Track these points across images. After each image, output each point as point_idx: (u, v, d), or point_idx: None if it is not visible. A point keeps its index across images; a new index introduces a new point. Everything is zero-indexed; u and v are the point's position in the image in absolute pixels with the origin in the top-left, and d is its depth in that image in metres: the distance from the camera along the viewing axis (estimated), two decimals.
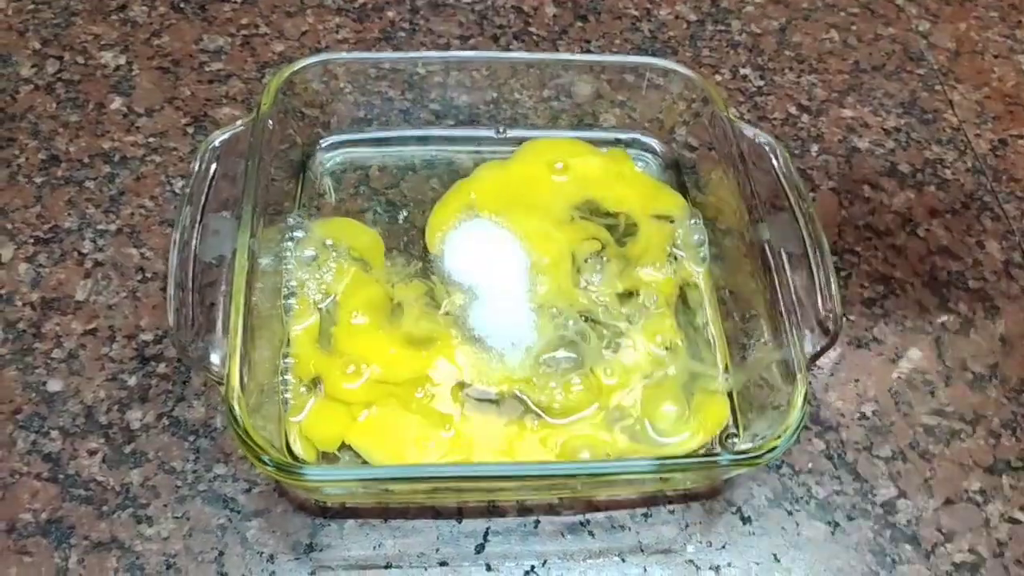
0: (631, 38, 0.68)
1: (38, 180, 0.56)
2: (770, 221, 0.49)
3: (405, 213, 0.56)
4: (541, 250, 0.53)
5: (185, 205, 0.47)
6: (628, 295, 0.52)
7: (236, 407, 0.40)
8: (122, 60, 0.63)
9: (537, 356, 0.49)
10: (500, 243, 0.53)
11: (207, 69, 0.63)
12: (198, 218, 0.46)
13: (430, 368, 0.48)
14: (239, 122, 0.50)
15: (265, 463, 0.40)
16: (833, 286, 0.47)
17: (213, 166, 0.48)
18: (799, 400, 0.43)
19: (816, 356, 0.45)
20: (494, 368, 0.48)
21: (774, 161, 0.52)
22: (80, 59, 0.63)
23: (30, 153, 0.57)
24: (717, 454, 0.46)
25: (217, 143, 0.49)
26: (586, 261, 0.54)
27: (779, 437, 0.42)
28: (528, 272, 0.52)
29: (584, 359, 0.49)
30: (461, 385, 0.48)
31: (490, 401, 0.48)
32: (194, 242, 0.46)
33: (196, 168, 0.48)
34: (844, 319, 0.51)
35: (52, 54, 0.63)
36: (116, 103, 0.60)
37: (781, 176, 0.52)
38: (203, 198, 0.47)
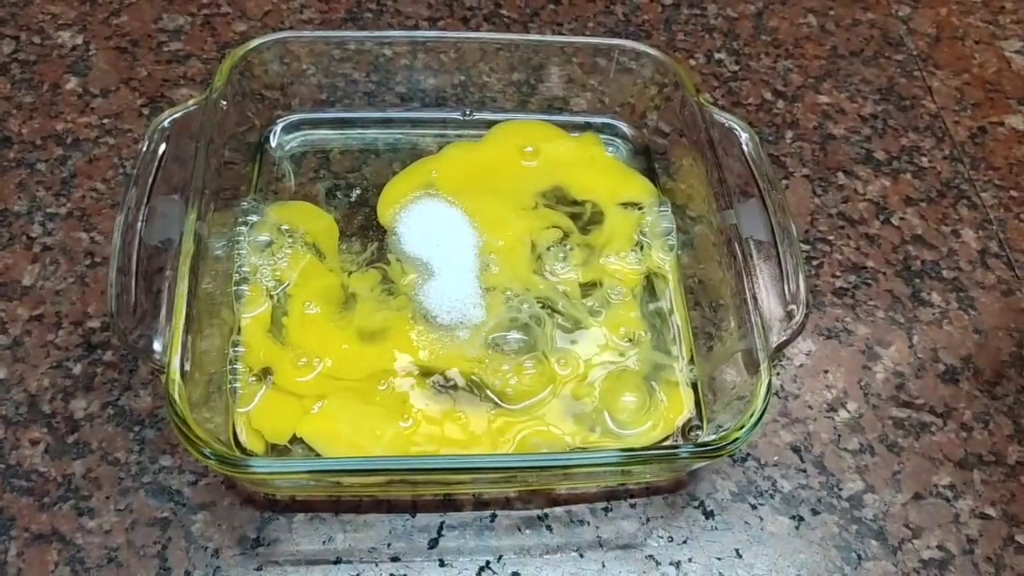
0: (604, 21, 0.67)
1: None
2: (738, 208, 0.48)
3: (365, 196, 0.54)
4: (496, 233, 0.52)
5: (131, 186, 0.45)
6: (592, 285, 0.51)
7: (176, 397, 0.39)
8: (79, 40, 0.61)
9: (486, 336, 0.48)
10: (451, 222, 0.52)
11: (165, 49, 0.61)
12: (144, 200, 0.45)
13: (384, 362, 0.47)
14: (191, 101, 0.49)
15: (206, 456, 0.38)
16: (800, 275, 0.46)
17: (162, 146, 0.47)
18: (762, 390, 0.41)
19: (782, 346, 0.44)
20: (446, 347, 0.47)
21: (744, 147, 0.51)
22: (37, 39, 0.61)
23: None
24: (677, 446, 0.45)
25: (167, 123, 0.48)
26: (548, 249, 0.52)
27: (741, 428, 0.41)
28: (479, 253, 0.51)
29: (536, 343, 0.48)
30: (420, 374, 0.47)
31: (447, 389, 0.46)
32: (139, 225, 0.44)
33: (144, 148, 0.46)
34: (811, 309, 0.49)
35: (8, 34, 0.61)
36: (71, 83, 0.59)
37: (751, 162, 0.50)
38: (150, 179, 0.46)
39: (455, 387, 0.47)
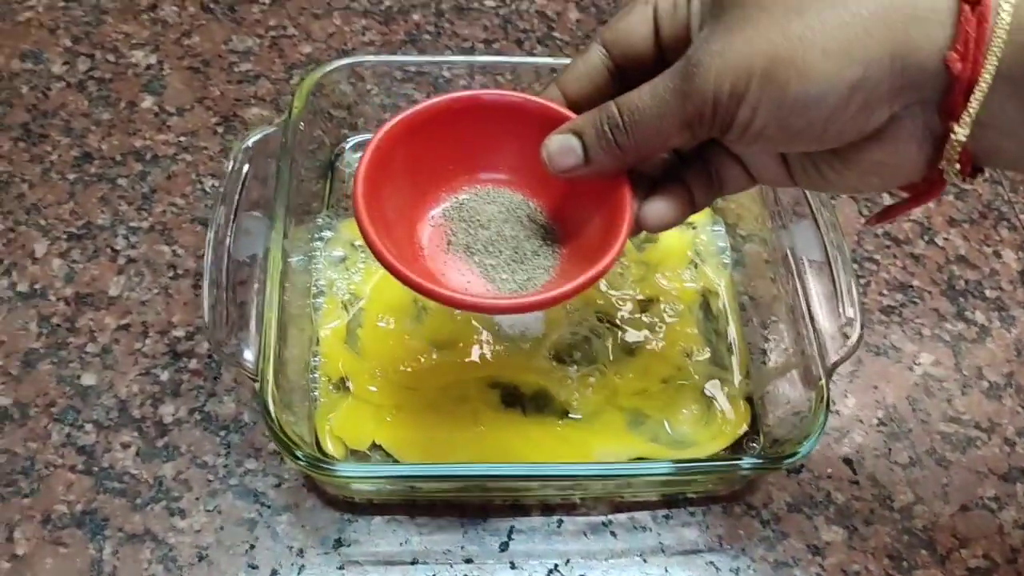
0: None
1: (71, 177, 0.57)
2: (792, 228, 0.50)
3: None
4: None
5: (219, 204, 0.48)
6: (649, 302, 0.53)
7: (270, 403, 0.41)
8: (153, 59, 0.64)
9: (549, 348, 0.50)
10: None
11: (236, 69, 0.63)
12: (232, 217, 0.47)
13: (455, 373, 0.49)
14: (270, 124, 0.51)
15: (298, 458, 0.40)
16: (854, 293, 0.47)
17: (246, 166, 0.49)
18: (820, 407, 0.44)
19: (837, 364, 0.46)
20: (513, 359, 0.49)
21: None
22: (111, 57, 0.64)
23: (63, 150, 0.58)
24: (738, 458, 0.47)
25: (250, 143, 0.50)
26: None
27: (800, 442, 0.43)
28: None
29: (598, 356, 0.50)
30: (489, 385, 0.49)
31: (515, 399, 0.49)
32: (228, 241, 0.47)
33: (229, 168, 0.49)
34: (864, 328, 0.51)
35: (83, 52, 0.64)
36: (147, 102, 0.61)
37: None
38: (236, 197, 0.48)
39: (522, 396, 0.49)
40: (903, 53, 0.29)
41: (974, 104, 0.29)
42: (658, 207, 0.37)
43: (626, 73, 0.37)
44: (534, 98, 0.38)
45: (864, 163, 0.33)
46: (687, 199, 0.37)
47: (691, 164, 0.38)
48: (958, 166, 0.31)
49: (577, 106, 0.38)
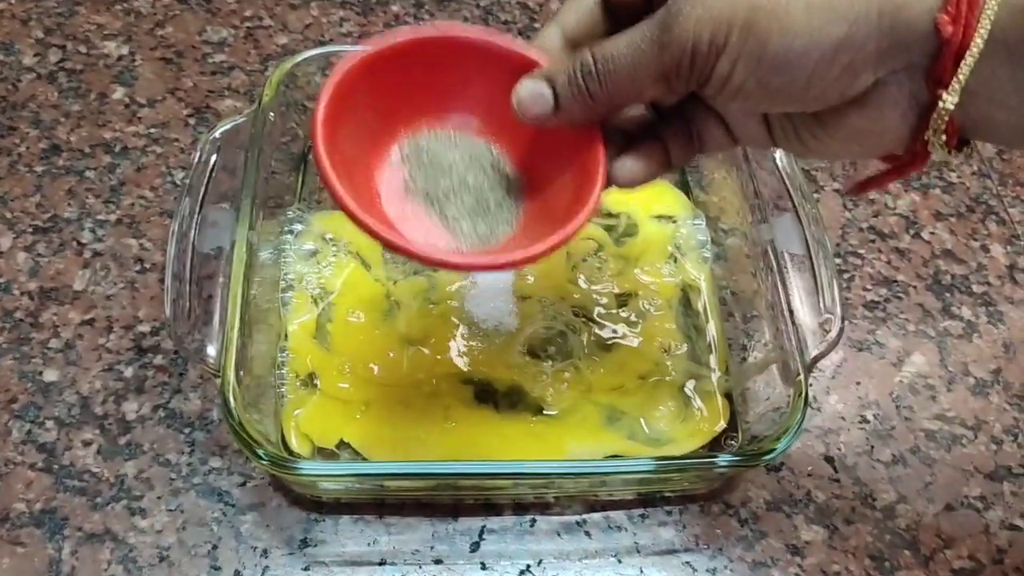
0: None
1: (39, 169, 0.56)
2: (773, 222, 0.49)
3: None
4: None
5: (184, 196, 0.46)
6: (627, 296, 0.52)
7: (231, 400, 0.40)
8: (125, 50, 0.62)
9: (523, 343, 0.49)
10: None
11: (210, 61, 0.62)
12: (197, 209, 0.46)
13: (426, 369, 0.48)
14: (240, 114, 0.50)
15: (260, 457, 0.39)
16: (836, 289, 0.46)
17: (213, 157, 0.48)
18: (800, 402, 0.42)
19: (817, 358, 0.45)
20: (486, 354, 0.48)
21: (778, 161, 0.52)
22: (83, 48, 0.62)
23: (31, 142, 0.57)
24: (715, 455, 0.46)
25: (218, 134, 0.49)
26: (584, 260, 0.53)
27: (778, 439, 0.42)
28: None
29: (573, 351, 0.49)
30: (461, 381, 0.48)
31: (488, 395, 0.48)
32: (192, 233, 0.45)
33: (196, 159, 0.48)
34: (846, 322, 0.50)
35: (55, 43, 0.63)
36: (118, 93, 0.60)
37: (785, 176, 0.51)
38: (203, 189, 0.47)
39: (496, 393, 0.48)
40: (891, 10, 0.28)
41: (964, 70, 0.28)
42: (630, 163, 0.36)
43: (618, 15, 0.35)
44: (507, 40, 0.37)
45: (846, 130, 0.32)
46: (662, 156, 0.36)
47: (670, 121, 0.37)
48: (944, 137, 0.30)
49: (575, 45, 0.36)
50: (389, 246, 0.34)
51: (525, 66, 0.35)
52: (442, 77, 0.38)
